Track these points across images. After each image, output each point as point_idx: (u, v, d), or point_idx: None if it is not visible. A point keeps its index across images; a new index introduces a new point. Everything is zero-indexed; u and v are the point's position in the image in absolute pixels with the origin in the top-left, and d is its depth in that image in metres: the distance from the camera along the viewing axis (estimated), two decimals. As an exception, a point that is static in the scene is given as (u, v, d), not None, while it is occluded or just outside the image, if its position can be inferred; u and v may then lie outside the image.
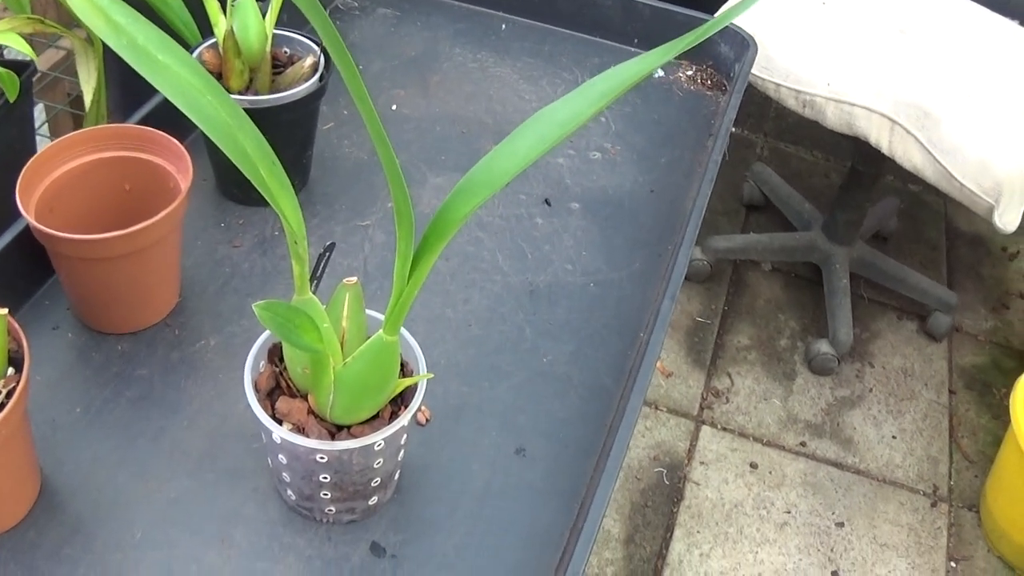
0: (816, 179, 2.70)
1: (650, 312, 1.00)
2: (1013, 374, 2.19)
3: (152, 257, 0.91)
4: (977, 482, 2.07)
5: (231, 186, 1.07)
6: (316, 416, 0.76)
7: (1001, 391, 2.25)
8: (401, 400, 0.79)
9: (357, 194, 1.10)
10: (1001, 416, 2.20)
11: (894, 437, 2.13)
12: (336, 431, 0.76)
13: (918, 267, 2.42)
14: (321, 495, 0.78)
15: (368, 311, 0.78)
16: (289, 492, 0.81)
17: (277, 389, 0.78)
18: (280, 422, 0.76)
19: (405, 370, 0.79)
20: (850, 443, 2.10)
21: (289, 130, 1.03)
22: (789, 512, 1.96)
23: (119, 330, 0.94)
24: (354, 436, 0.75)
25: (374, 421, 0.76)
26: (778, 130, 2.85)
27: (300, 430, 0.75)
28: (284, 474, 0.79)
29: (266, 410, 0.76)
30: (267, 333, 0.78)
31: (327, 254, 0.79)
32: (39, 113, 1.65)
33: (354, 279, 0.74)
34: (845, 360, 2.25)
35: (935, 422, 2.17)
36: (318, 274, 0.80)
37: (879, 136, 1.83)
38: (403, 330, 0.78)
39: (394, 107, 1.24)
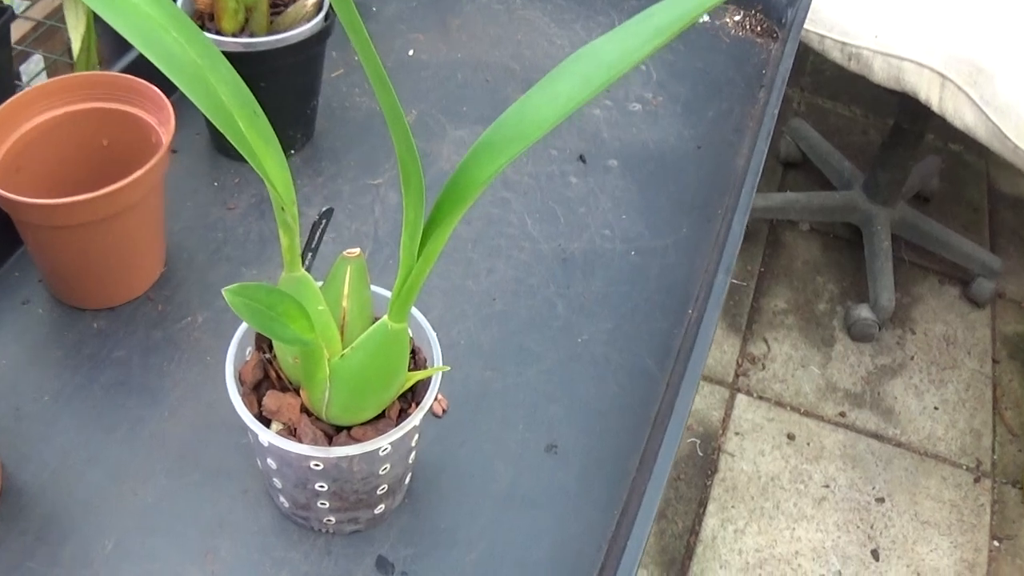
0: (855, 136, 2.54)
1: (700, 285, 0.86)
2: (1059, 344, 2.05)
3: (131, 222, 0.77)
4: (1021, 456, 1.93)
5: (226, 140, 0.93)
6: (310, 415, 0.62)
7: (1046, 361, 2.11)
8: (412, 395, 0.65)
9: (368, 149, 0.96)
10: (1047, 387, 2.06)
11: (936, 408, 1.99)
12: (334, 433, 0.62)
13: (960, 230, 2.26)
14: (318, 504, 0.65)
15: (375, 288, 0.65)
16: (282, 499, 0.67)
17: (266, 381, 0.65)
18: (269, 422, 0.63)
19: (417, 359, 0.66)
20: (891, 414, 1.96)
21: (290, 77, 0.89)
22: (828, 486, 1.83)
23: (96, 305, 0.81)
24: (355, 439, 0.61)
25: (379, 422, 0.63)
26: (815, 84, 2.69)
27: (292, 431, 0.62)
28: (275, 479, 0.65)
29: (251, 407, 0.62)
30: (255, 313, 0.65)
31: (323, 221, 0.65)
32: (36, 64, 1.51)
33: (356, 251, 0.60)
34: (886, 326, 2.11)
35: (978, 393, 2.03)
36: (313, 246, 0.66)
37: (929, 92, 1.68)
38: (415, 311, 0.65)
39: (411, 52, 1.09)
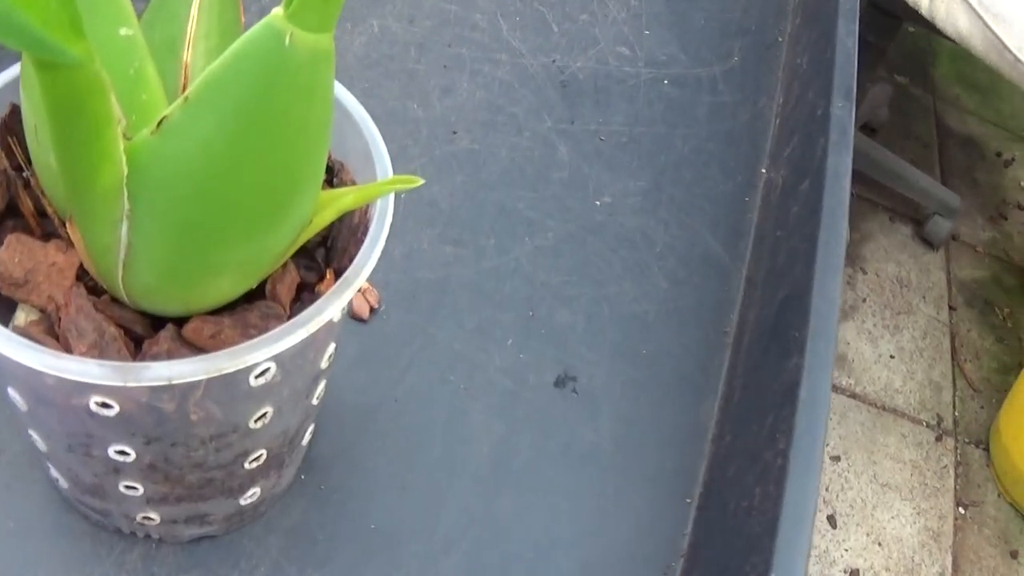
0: (796, 59, 2.24)
1: (772, 134, 0.53)
2: (1014, 293, 1.80)
3: None
4: (984, 414, 1.67)
5: None
6: (98, 292, 0.27)
7: (1004, 311, 1.84)
8: (326, 254, 0.30)
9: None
10: (1005, 339, 1.79)
11: (892, 357, 1.70)
12: (147, 331, 0.27)
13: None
14: (120, 488, 0.29)
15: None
16: (54, 473, 0.32)
17: (15, 220, 0.29)
18: (14, 305, 0.27)
19: (340, 178, 0.31)
20: (844, 361, 1.67)
21: None
22: (779, 443, 1.53)
23: None
24: (195, 347, 0.26)
25: (249, 309, 0.27)
26: None
27: (54, 327, 0.26)
28: (33, 434, 0.30)
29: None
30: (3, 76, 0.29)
31: None
32: None
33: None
34: (836, 264, 1.81)
35: (936, 342, 1.75)
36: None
37: (917, -10, 1.39)
38: (338, 88, 0.29)
39: None
